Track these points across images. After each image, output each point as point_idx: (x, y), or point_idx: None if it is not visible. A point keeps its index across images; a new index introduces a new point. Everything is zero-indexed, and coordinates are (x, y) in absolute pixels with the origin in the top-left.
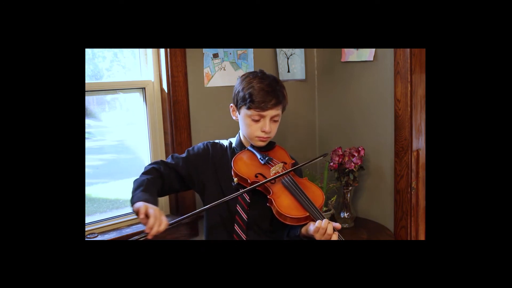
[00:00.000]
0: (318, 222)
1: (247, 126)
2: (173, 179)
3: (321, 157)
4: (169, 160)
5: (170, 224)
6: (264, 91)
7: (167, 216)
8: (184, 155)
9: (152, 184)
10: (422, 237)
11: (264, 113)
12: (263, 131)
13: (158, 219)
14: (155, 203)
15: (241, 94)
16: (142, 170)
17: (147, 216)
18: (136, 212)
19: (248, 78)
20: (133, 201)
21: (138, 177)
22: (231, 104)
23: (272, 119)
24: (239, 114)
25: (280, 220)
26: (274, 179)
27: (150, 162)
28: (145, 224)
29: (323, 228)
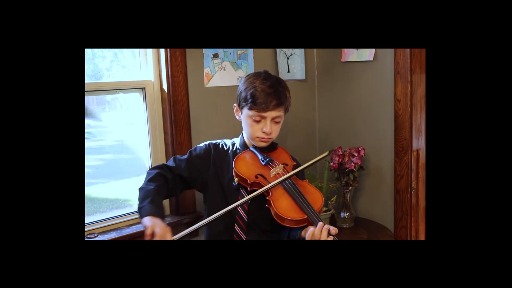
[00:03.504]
0: (310, 230)
1: (249, 126)
2: (177, 183)
3: (324, 156)
4: (171, 163)
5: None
6: (266, 92)
7: (167, 216)
8: (186, 156)
9: (158, 193)
10: (422, 237)
11: (265, 114)
12: (264, 132)
13: (163, 239)
14: (162, 215)
15: (243, 94)
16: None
17: (153, 235)
18: (144, 227)
19: (251, 78)
20: (141, 214)
21: (143, 183)
22: (235, 104)
23: (274, 120)
24: (241, 114)
25: (278, 222)
26: (275, 184)
27: (152, 166)
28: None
29: (316, 237)
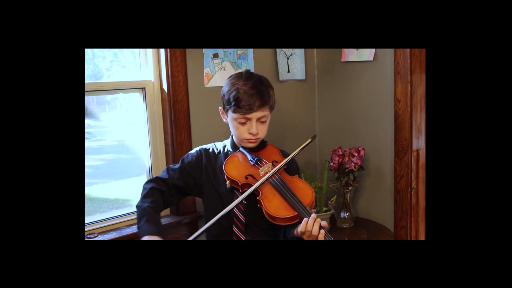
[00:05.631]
0: (303, 224)
1: (235, 129)
2: (172, 194)
3: (307, 143)
4: (164, 174)
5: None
6: (248, 93)
7: (167, 216)
8: (178, 165)
9: (153, 209)
10: (422, 237)
11: (249, 116)
12: (251, 133)
13: None
14: (159, 231)
15: (226, 97)
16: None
17: None
18: None
19: (233, 80)
20: (140, 234)
21: (139, 200)
22: (220, 107)
23: (259, 120)
24: (227, 116)
25: (271, 221)
26: (260, 184)
27: (146, 180)
28: None
29: (308, 231)
